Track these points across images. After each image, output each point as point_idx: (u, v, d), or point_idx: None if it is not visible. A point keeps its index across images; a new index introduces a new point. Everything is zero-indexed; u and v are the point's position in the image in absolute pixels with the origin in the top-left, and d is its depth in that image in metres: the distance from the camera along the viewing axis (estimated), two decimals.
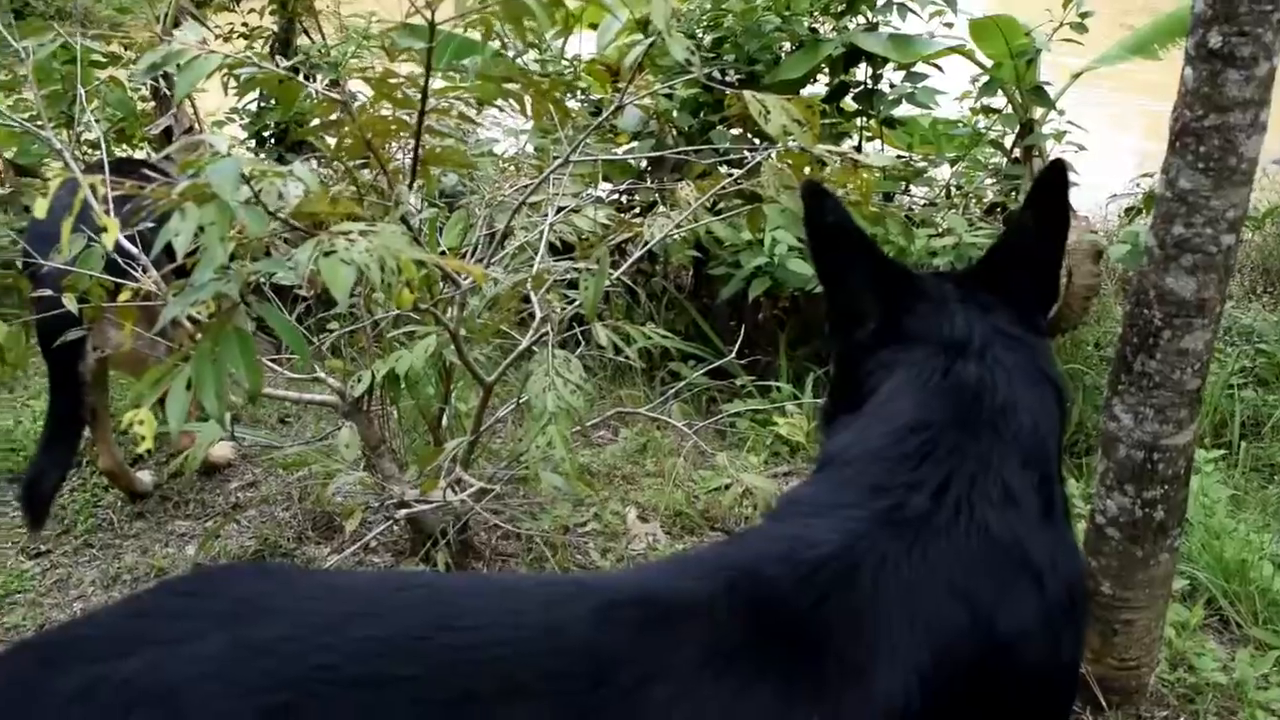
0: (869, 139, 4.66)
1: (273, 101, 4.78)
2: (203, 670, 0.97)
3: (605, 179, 4.10)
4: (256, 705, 0.96)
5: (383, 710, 0.98)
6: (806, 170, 2.29)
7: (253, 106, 4.98)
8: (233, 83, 3.94)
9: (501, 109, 2.02)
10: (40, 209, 1.61)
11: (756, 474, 2.90)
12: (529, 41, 4.15)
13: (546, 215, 2.57)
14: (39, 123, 2.77)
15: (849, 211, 1.45)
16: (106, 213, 1.64)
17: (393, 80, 1.86)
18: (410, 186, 2.00)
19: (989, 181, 4.95)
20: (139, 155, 4.80)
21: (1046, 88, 4.45)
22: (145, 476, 3.43)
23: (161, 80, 4.50)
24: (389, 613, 1.07)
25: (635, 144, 4.41)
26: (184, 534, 3.24)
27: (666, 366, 4.04)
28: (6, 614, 2.91)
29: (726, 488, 3.25)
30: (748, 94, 1.92)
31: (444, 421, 2.84)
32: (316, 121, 4.74)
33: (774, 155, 2.34)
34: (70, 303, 2.48)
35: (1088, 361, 4.40)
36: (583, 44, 5.01)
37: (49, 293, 2.54)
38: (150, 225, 2.30)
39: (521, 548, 2.99)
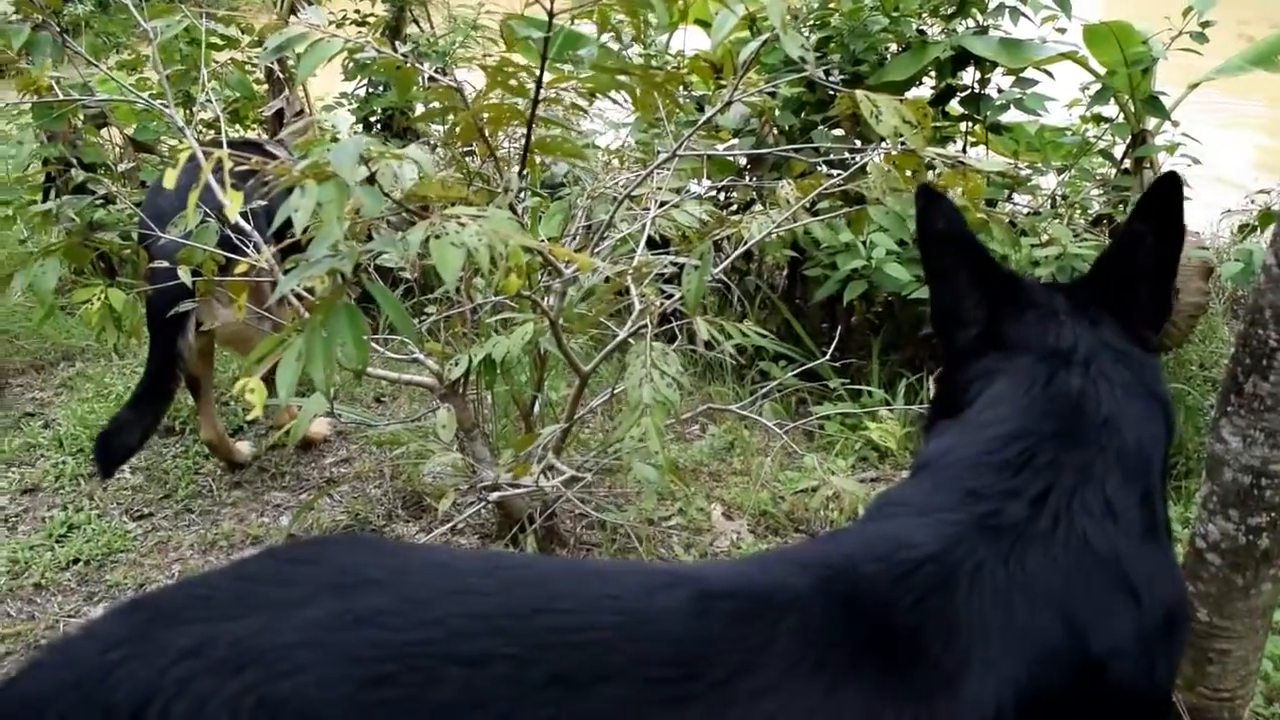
0: (973, 144, 4.58)
1: (381, 88, 4.88)
2: (309, 636, 0.99)
3: (705, 175, 4.10)
4: (359, 674, 0.98)
5: (480, 687, 0.98)
6: (912, 173, 2.26)
7: (360, 92, 5.09)
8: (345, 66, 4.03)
9: (617, 102, 2.03)
10: (169, 180, 1.67)
11: (845, 478, 2.87)
12: (636, 36, 4.18)
13: (648, 209, 2.58)
14: (162, 101, 2.88)
15: (961, 215, 1.43)
16: (232, 188, 1.69)
17: (509, 69, 1.89)
18: (520, 174, 2.03)
19: (1096, 192, 4.82)
20: (250, 136, 4.94)
21: (1161, 97, 4.32)
22: (244, 447, 3.54)
23: (275, 64, 4.63)
24: (490, 591, 1.07)
25: (736, 141, 4.40)
26: (279, 505, 3.33)
27: (757, 366, 4.02)
28: (109, 572, 3.03)
29: (814, 490, 3.23)
30: (860, 93, 1.91)
31: (535, 409, 2.87)
32: (421, 109, 4.85)
33: (880, 157, 2.32)
34: (185, 275, 2.58)
35: (1191, 381, 4.27)
36: (686, 39, 5.02)
37: (164, 264, 2.63)
38: (261, 204, 2.39)
39: (606, 538, 3.00)
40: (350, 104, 5.00)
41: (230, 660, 0.98)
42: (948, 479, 1.31)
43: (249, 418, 1.93)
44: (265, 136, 4.81)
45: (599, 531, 3.05)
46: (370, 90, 4.98)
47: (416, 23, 5.17)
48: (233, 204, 1.60)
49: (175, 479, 3.46)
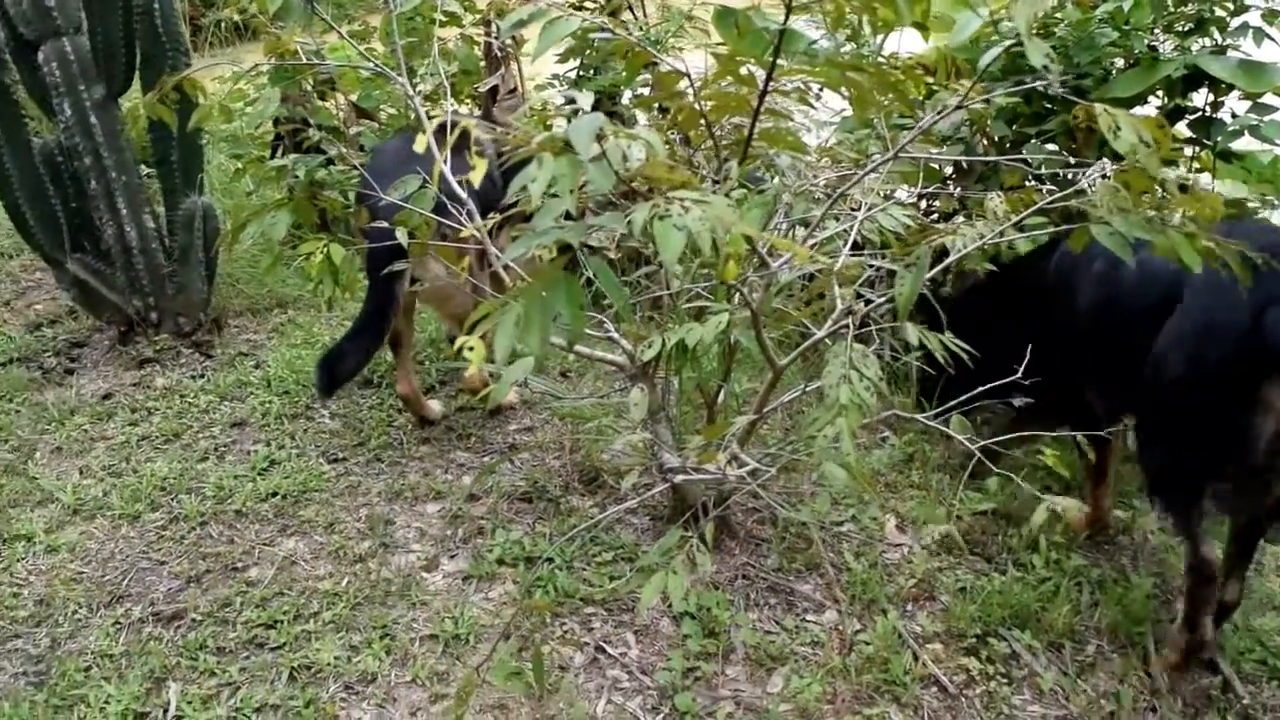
0: (1198, 170, 4.33)
1: (592, 71, 4.98)
2: None
3: (905, 181, 4.01)
4: None
5: None
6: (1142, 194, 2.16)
7: (571, 74, 5.21)
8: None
9: (844, 95, 2.02)
10: (420, 144, 1.76)
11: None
12: (874, 30, 4.12)
13: (855, 210, 2.55)
14: (395, 70, 3.02)
15: None
16: (479, 154, 1.77)
17: (740, 58, 1.90)
18: (740, 164, 2.04)
19: None
20: (462, 110, 5.12)
21: None
22: (435, 406, 3.69)
23: (496, 41, 4.78)
24: None
25: (945, 148, 4.29)
26: (463, 464, 3.46)
27: (943, 378, 3.91)
28: (303, 508, 3.22)
29: (993, 512, 3.15)
30: (1098, 106, 1.84)
31: (720, 398, 2.89)
32: (629, 95, 4.92)
33: (1109, 174, 2.23)
34: (401, 236, 2.71)
35: None
36: (901, 42, 4.92)
37: (384, 224, 2.77)
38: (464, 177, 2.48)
39: (776, 535, 3.00)
40: (561, 85, 5.12)
41: None
42: None
43: (469, 372, 1.99)
44: (477, 112, 4.98)
45: (770, 528, 3.05)
46: (581, 73, 5.08)
47: (631, 10, 5.25)
48: (479, 168, 1.67)
49: (369, 429, 3.65)
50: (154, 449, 3.59)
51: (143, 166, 4.53)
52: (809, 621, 2.74)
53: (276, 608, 2.77)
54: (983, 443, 2.34)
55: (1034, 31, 4.27)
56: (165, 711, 2.45)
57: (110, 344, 4.36)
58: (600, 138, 1.61)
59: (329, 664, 2.57)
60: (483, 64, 5.03)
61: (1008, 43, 1.94)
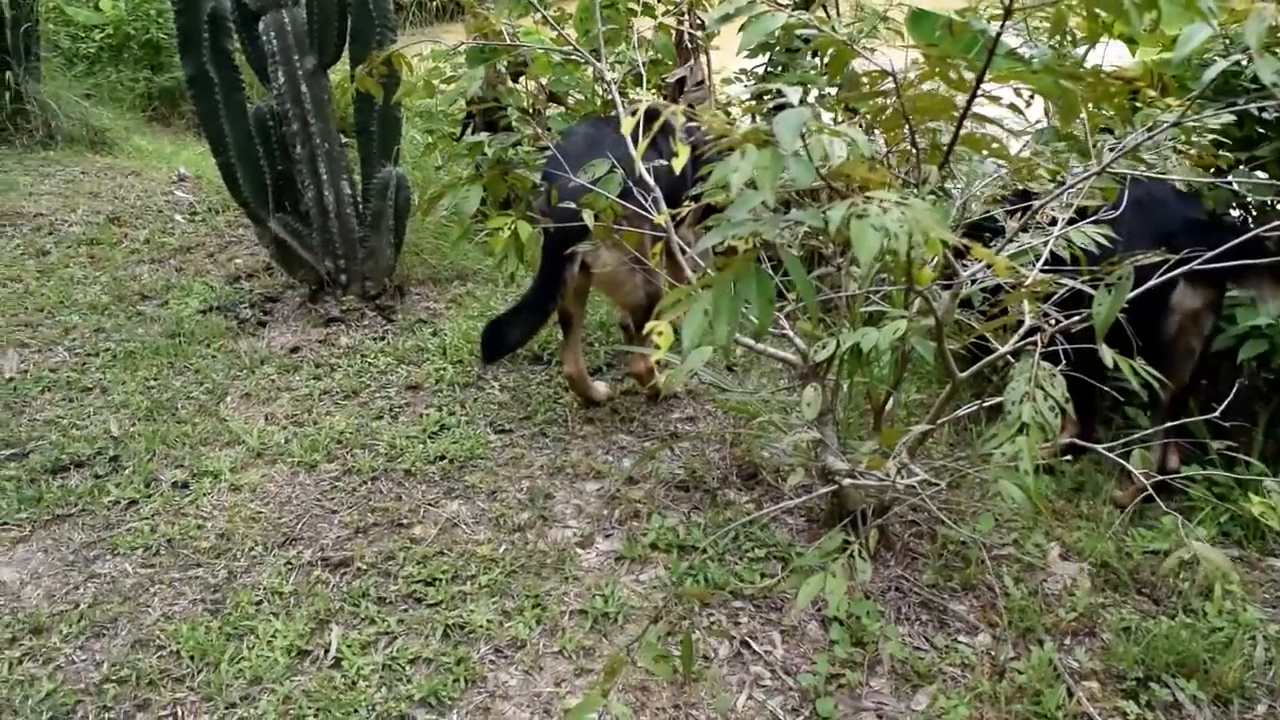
0: None
1: (780, 68, 4.97)
2: None
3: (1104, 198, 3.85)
4: None
5: None
6: None
7: (758, 70, 5.21)
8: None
9: (1054, 105, 1.96)
10: (627, 127, 1.80)
11: (1208, 546, 2.63)
12: (1052, 45, 3.99)
13: (1046, 225, 2.47)
14: (594, 52, 3.08)
15: None
16: (681, 143, 1.80)
17: (950, 59, 1.87)
18: (940, 168, 2.01)
19: None
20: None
21: None
22: (601, 387, 3.76)
23: (687, 32, 4.83)
24: None
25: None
26: (624, 447, 3.51)
27: (1123, 409, 3.76)
28: (468, 473, 3.33)
29: (1166, 553, 2.99)
30: None
31: (888, 406, 2.84)
32: (815, 93, 4.88)
33: None
34: (587, 218, 2.77)
35: None
36: (1105, 55, 4.72)
37: (572, 205, 2.84)
38: (661, 163, 2.51)
39: (934, 550, 2.93)
40: (747, 80, 5.12)
41: None
42: None
43: (658, 356, 2.01)
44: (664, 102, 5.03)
45: (927, 542, 2.99)
46: (769, 69, 5.08)
47: (825, 8, 5.21)
48: (681, 155, 1.70)
49: (536, 403, 3.74)
50: (334, 404, 3.78)
51: (343, 135, 4.76)
52: (960, 642, 2.68)
53: (436, 566, 2.88)
54: (1159, 478, 2.22)
55: (1245, 48, 4.04)
56: (326, 652, 2.58)
57: (301, 301, 4.60)
58: (804, 133, 1.61)
59: (481, 626, 2.65)
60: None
61: (1234, 57, 1.84)
